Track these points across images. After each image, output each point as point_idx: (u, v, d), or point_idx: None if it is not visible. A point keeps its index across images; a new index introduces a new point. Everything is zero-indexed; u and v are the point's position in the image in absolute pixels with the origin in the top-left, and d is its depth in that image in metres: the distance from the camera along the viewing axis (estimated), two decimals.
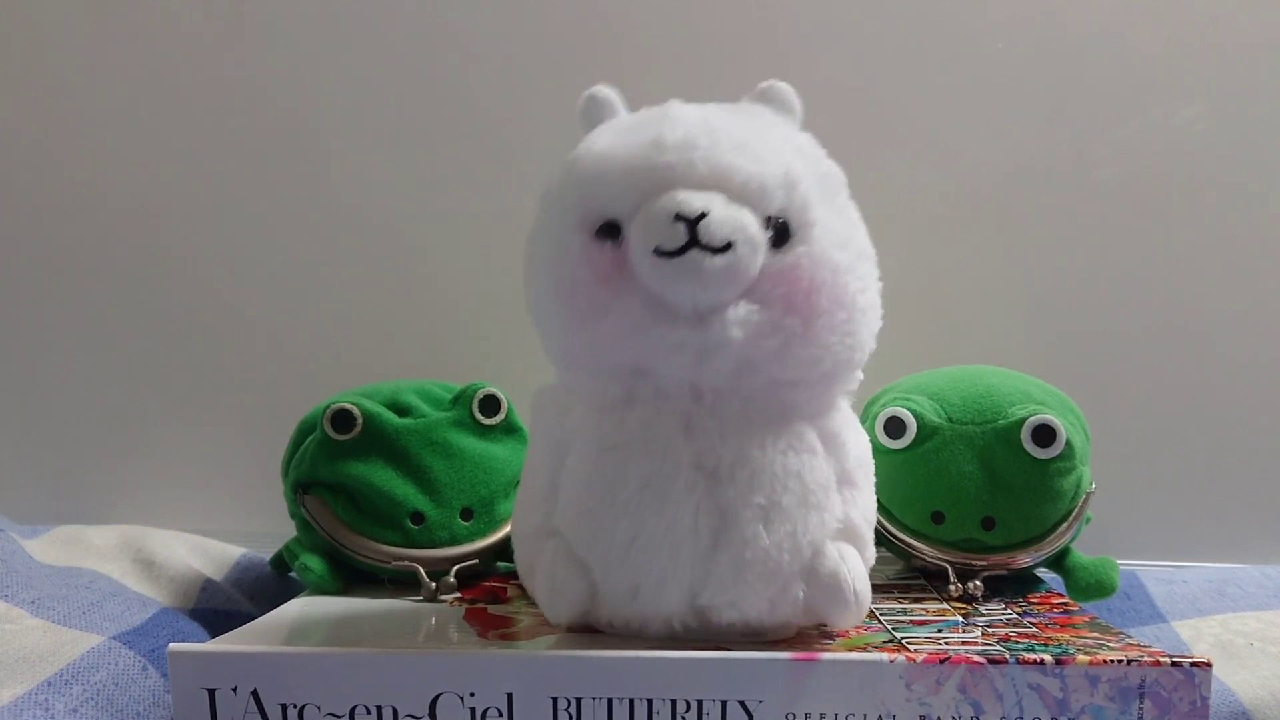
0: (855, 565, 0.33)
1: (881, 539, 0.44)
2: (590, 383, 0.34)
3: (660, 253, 0.30)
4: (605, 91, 0.35)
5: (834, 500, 0.33)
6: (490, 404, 0.45)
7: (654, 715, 0.31)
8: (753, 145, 0.31)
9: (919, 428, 0.44)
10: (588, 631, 0.35)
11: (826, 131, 0.35)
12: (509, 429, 0.45)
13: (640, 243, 0.30)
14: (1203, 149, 0.58)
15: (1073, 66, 0.59)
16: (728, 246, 0.30)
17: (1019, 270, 0.59)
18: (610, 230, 0.31)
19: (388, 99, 0.60)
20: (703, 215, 0.30)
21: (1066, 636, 0.36)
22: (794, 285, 0.31)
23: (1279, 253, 0.59)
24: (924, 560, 0.44)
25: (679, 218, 0.30)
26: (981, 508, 0.43)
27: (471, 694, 0.31)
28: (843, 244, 0.32)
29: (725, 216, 0.30)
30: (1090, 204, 0.59)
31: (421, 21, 0.59)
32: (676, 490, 0.32)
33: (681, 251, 0.30)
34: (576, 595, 0.33)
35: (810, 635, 0.35)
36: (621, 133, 0.32)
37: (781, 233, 0.31)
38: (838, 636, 0.35)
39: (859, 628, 0.37)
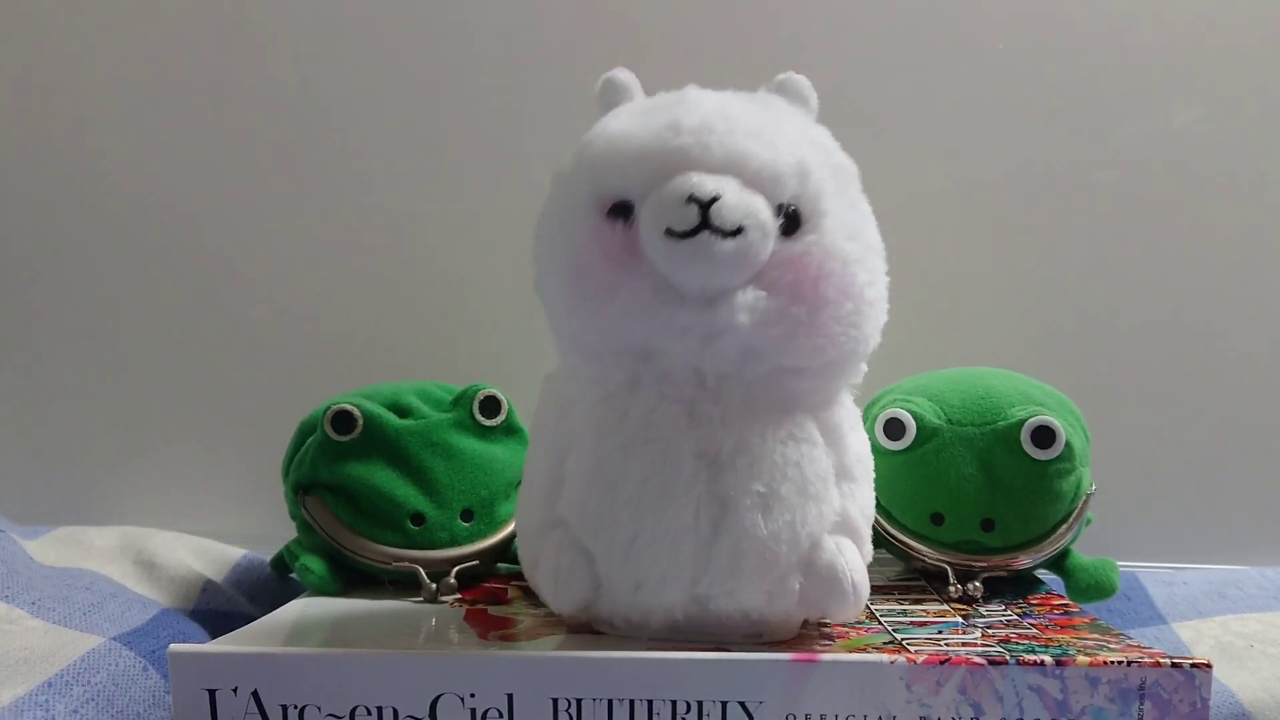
0: (853, 558, 0.33)
1: (881, 540, 0.44)
2: (595, 367, 0.34)
3: (671, 234, 0.30)
4: (623, 75, 0.35)
5: (832, 493, 0.33)
6: (491, 405, 0.45)
7: (654, 716, 0.31)
8: (768, 133, 0.31)
9: (918, 429, 0.44)
10: (588, 632, 0.35)
11: (830, 132, 0.35)
12: (509, 430, 0.45)
13: (651, 223, 0.30)
14: (1203, 150, 0.59)
15: (1073, 68, 0.59)
16: (739, 231, 0.30)
17: (1019, 271, 0.59)
18: (622, 210, 0.31)
19: (388, 99, 0.60)
20: (715, 198, 0.30)
21: (1067, 638, 0.36)
22: (802, 273, 0.31)
23: (1278, 253, 0.59)
24: (924, 562, 0.44)
25: (692, 199, 0.30)
26: (981, 509, 0.43)
27: (472, 695, 0.31)
28: (853, 236, 0.33)
29: (738, 201, 0.30)
30: (1090, 205, 0.59)
31: (424, 19, 0.59)
32: (679, 485, 0.32)
33: (693, 233, 0.30)
34: (581, 585, 0.33)
35: (810, 636, 0.35)
36: (637, 115, 0.33)
37: (792, 221, 0.32)
38: (838, 637, 0.35)
39: (859, 629, 0.37)
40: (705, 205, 0.30)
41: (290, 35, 0.60)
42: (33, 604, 0.41)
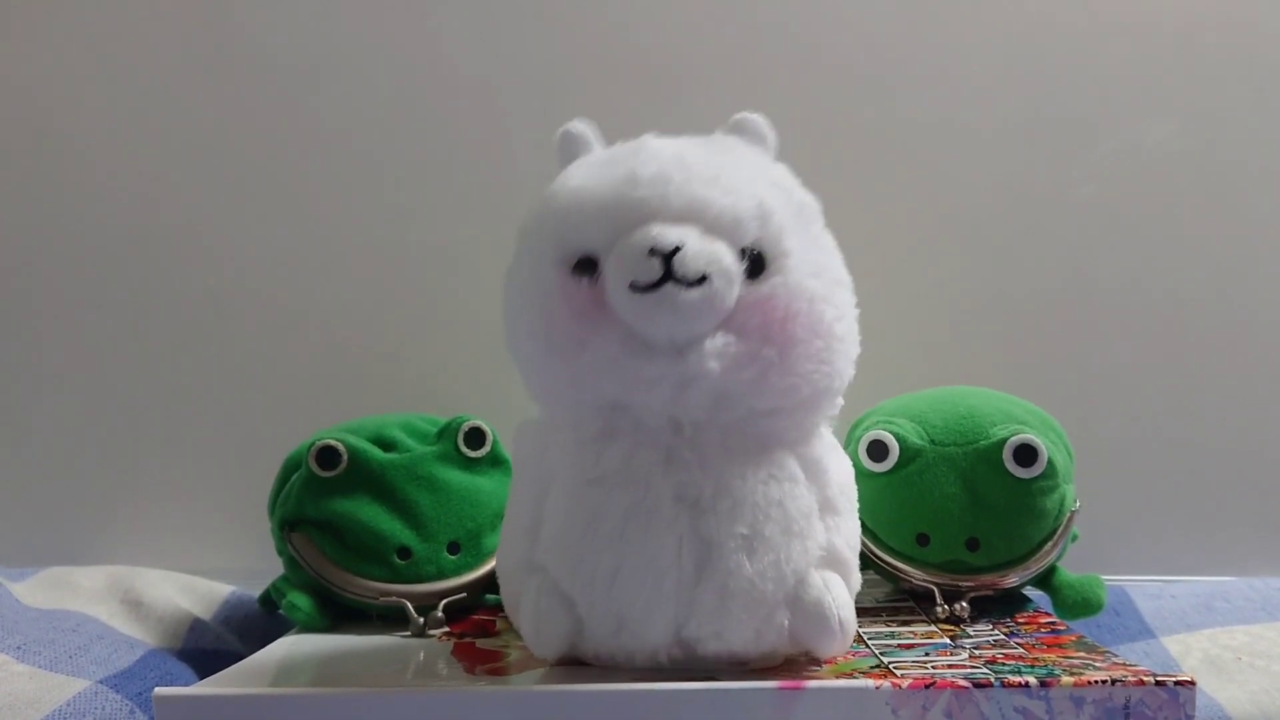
0: (840, 593, 0.33)
1: (868, 562, 0.44)
2: (570, 417, 0.34)
3: (636, 287, 0.30)
4: (580, 127, 0.35)
5: (817, 528, 0.34)
6: (475, 437, 0.45)
7: None
8: (726, 178, 0.32)
9: (901, 450, 0.44)
10: (575, 664, 0.35)
11: (806, 155, 0.36)
12: (495, 461, 0.46)
13: (616, 278, 0.31)
14: (1178, 165, 0.59)
15: (1049, 86, 0.59)
16: (703, 279, 0.30)
17: (999, 290, 0.60)
18: (587, 265, 0.32)
19: (369, 131, 0.60)
20: (677, 249, 0.30)
21: (1053, 657, 0.36)
22: (770, 315, 0.31)
23: (1257, 266, 0.60)
24: (911, 583, 0.44)
25: (654, 252, 0.30)
26: (965, 529, 0.43)
27: None
28: (818, 273, 0.33)
29: (700, 250, 0.30)
30: (1068, 222, 0.60)
31: (411, 50, 0.60)
32: (659, 523, 0.32)
33: (657, 286, 0.30)
34: (561, 630, 0.33)
35: (798, 662, 0.35)
36: (596, 168, 0.33)
37: (756, 264, 0.32)
38: (825, 662, 0.35)
39: (846, 653, 0.37)
40: (667, 257, 0.30)
41: (274, 69, 0.60)
42: (18, 648, 0.41)
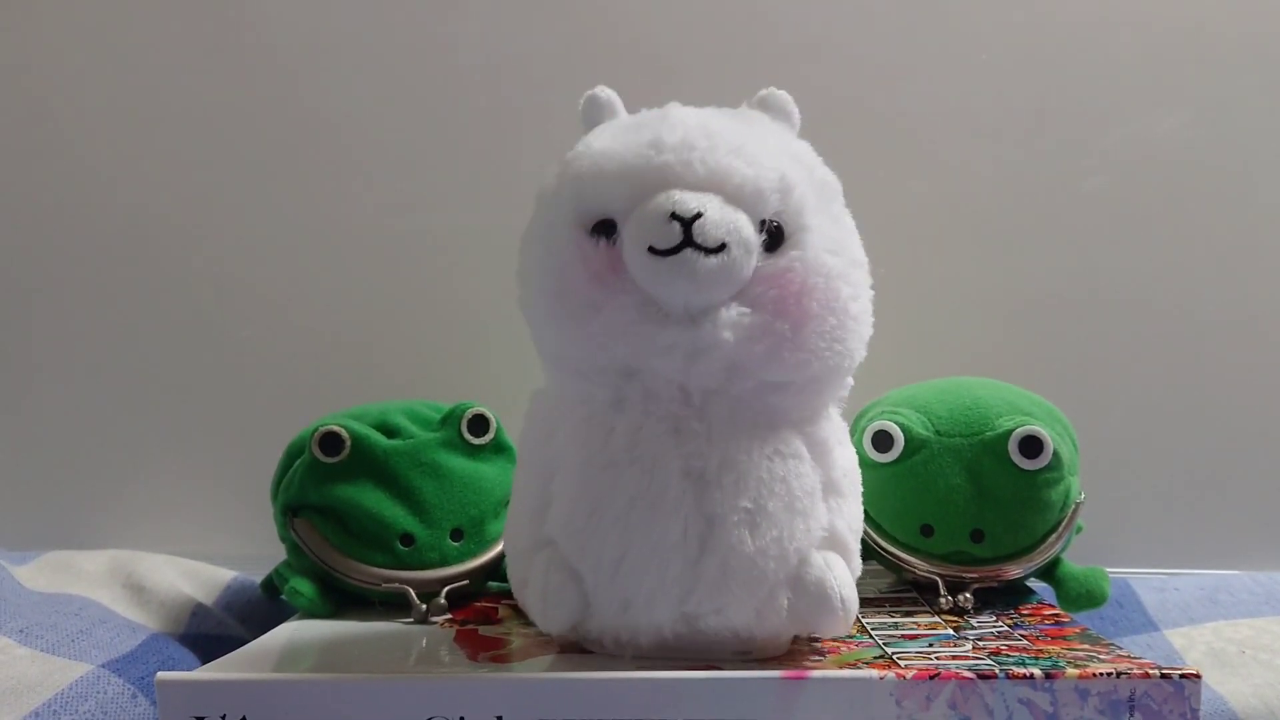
0: (841, 573, 0.33)
1: (872, 552, 0.44)
2: (580, 386, 0.34)
3: (654, 251, 0.30)
4: (606, 93, 0.35)
5: (820, 508, 0.33)
6: (479, 424, 0.45)
7: None
8: (750, 149, 0.31)
9: (906, 441, 0.44)
10: (578, 652, 0.35)
11: (815, 142, 0.36)
12: (498, 448, 0.45)
13: (635, 241, 0.31)
14: (1187, 157, 0.59)
15: (1058, 76, 0.59)
16: (721, 247, 0.30)
17: (1006, 281, 0.60)
18: (605, 228, 0.32)
19: (373, 118, 0.60)
20: (698, 215, 0.30)
21: (1057, 649, 0.36)
22: (785, 289, 0.31)
23: (1265, 259, 0.59)
24: (915, 573, 0.44)
25: (674, 217, 0.30)
26: (970, 520, 0.43)
27: (462, 718, 0.31)
28: (836, 250, 0.33)
29: (720, 218, 0.30)
30: (1076, 213, 0.59)
31: (410, 38, 0.60)
32: (666, 503, 0.32)
33: (676, 251, 0.30)
34: (570, 605, 0.33)
35: (801, 652, 0.35)
36: (620, 132, 0.33)
37: (775, 236, 0.32)
38: (829, 652, 0.35)
39: (850, 643, 0.37)
40: (688, 222, 0.30)
41: (275, 57, 0.60)
42: (21, 632, 0.41)
